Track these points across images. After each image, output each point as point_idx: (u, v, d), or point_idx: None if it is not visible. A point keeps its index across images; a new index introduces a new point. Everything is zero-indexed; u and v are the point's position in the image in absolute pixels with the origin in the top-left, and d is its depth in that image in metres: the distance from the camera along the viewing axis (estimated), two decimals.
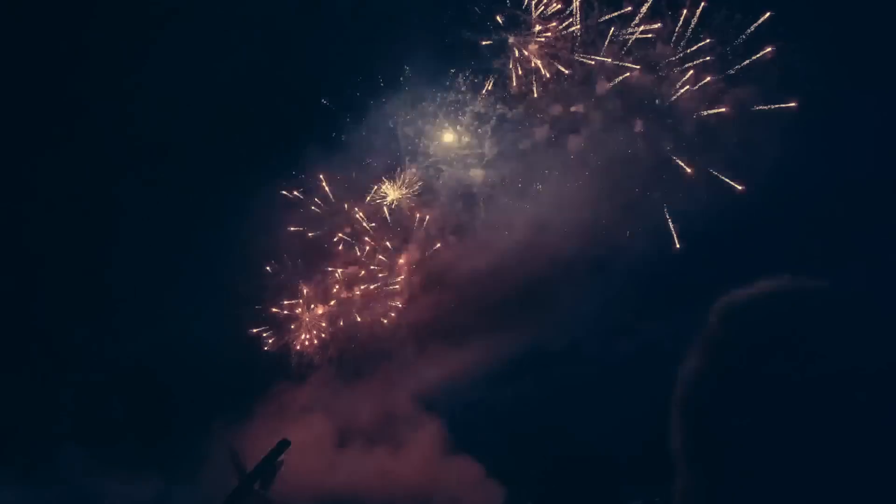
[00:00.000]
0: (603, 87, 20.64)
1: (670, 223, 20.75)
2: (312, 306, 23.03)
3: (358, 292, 22.90)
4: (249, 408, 22.93)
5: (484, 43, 20.98)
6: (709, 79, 20.47)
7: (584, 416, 21.15)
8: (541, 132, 21.12)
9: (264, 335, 23.41)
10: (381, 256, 22.74)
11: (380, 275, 22.86)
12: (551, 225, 21.43)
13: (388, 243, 22.72)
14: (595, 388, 20.87)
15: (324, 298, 23.10)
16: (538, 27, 20.63)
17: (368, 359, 23.38)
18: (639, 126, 20.69)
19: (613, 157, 21.08)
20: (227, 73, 22.25)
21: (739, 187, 20.43)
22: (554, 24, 20.58)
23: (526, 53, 20.75)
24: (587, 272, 21.40)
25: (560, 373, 21.79)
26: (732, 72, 20.33)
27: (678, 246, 20.81)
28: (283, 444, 20.35)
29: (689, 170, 20.72)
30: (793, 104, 20.14)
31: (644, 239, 20.97)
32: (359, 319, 23.16)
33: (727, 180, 20.51)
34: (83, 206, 22.98)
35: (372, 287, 22.93)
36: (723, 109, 20.50)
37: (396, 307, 23.12)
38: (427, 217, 22.44)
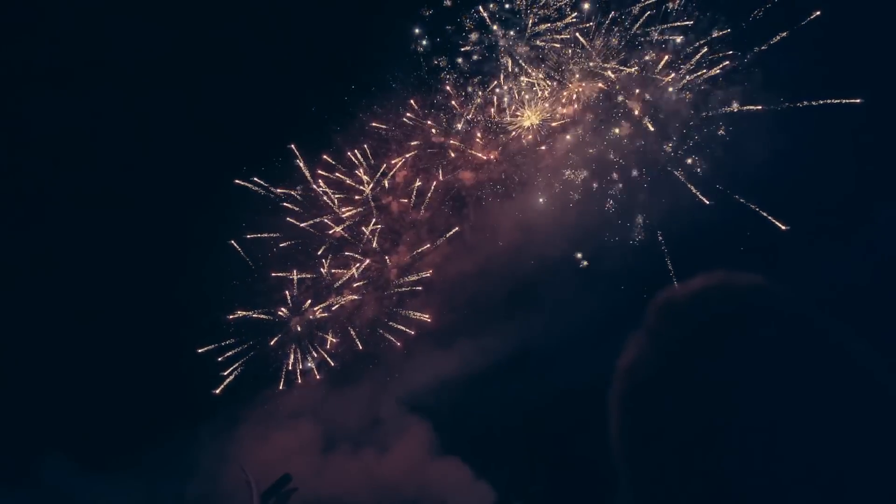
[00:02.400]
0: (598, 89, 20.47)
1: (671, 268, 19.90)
2: (305, 308, 22.73)
3: (354, 297, 22.71)
4: (235, 414, 22.70)
5: (466, 48, 21.18)
6: (727, 63, 19.12)
7: (576, 418, 21.20)
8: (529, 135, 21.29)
9: (220, 358, 22.71)
10: (371, 260, 22.59)
11: (369, 278, 22.76)
12: (543, 228, 21.56)
13: (375, 245, 22.64)
14: (586, 390, 20.87)
15: (315, 303, 22.83)
16: (530, 26, 20.76)
17: (358, 363, 23.18)
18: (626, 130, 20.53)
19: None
20: (212, 73, 22.07)
21: (783, 227, 18.12)
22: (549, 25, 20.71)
23: (521, 63, 20.84)
24: (578, 275, 21.54)
25: (550, 374, 21.85)
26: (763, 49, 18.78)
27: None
28: (285, 479, 20.30)
29: (706, 201, 19.64)
30: (857, 100, 18.34)
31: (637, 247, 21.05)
32: (360, 347, 22.88)
33: (770, 217, 18.36)
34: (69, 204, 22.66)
35: (364, 293, 22.75)
36: (758, 108, 19.39)
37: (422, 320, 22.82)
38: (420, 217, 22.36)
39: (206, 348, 22.25)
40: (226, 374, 22.38)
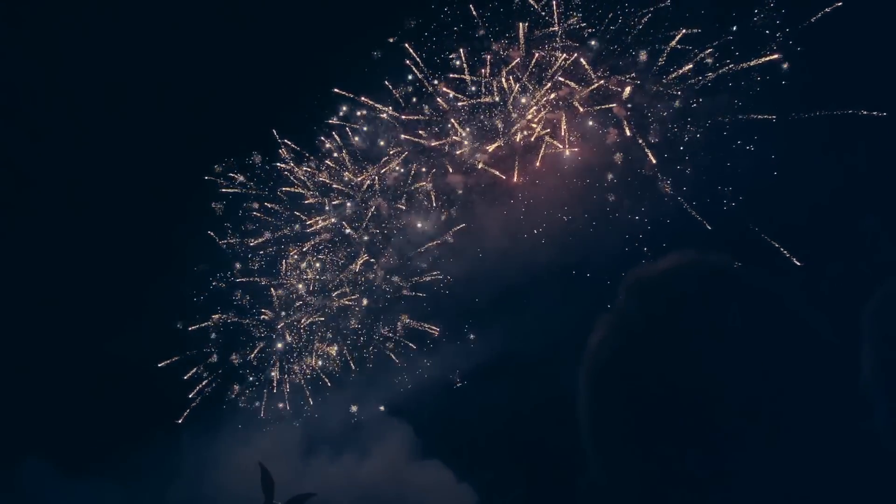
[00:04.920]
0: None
1: None
2: (290, 316, 22.38)
3: (348, 302, 22.38)
4: (215, 417, 22.40)
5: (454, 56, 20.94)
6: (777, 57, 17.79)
7: (558, 423, 21.16)
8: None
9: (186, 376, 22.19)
10: (362, 263, 22.28)
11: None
12: (526, 233, 21.43)
13: (364, 249, 22.33)
14: (569, 395, 20.79)
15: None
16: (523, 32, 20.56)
17: (343, 370, 22.97)
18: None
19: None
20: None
21: (798, 263, 17.84)
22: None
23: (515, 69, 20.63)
24: (563, 282, 21.44)
25: (533, 379, 21.79)
26: None
27: None
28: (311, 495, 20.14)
29: (708, 226, 19.24)
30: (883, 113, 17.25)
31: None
32: (354, 367, 22.59)
33: (785, 252, 18.13)
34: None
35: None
36: (767, 117, 18.69)
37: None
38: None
39: (166, 361, 21.76)
40: (191, 396, 22.03)
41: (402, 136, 21.51)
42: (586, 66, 20.27)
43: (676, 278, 4.32)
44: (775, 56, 18.24)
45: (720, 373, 3.93)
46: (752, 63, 18.49)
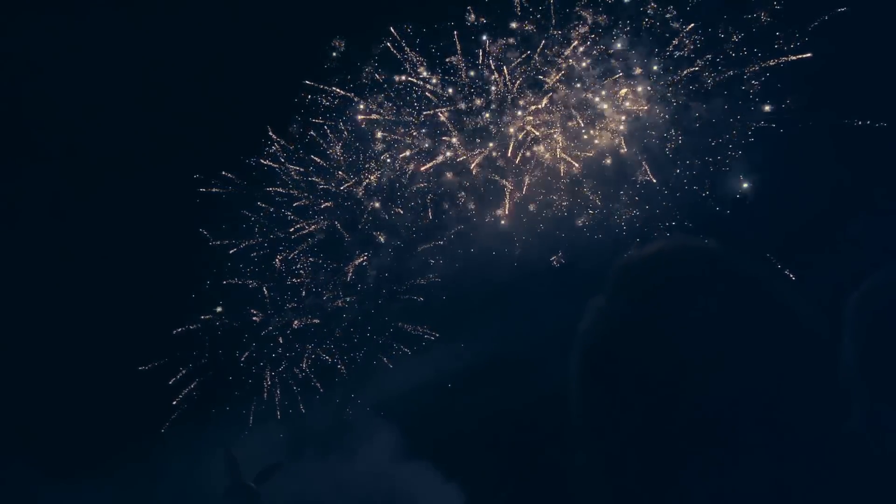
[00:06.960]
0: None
1: None
2: (281, 318, 22.19)
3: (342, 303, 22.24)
4: (201, 418, 22.23)
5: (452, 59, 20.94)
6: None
7: (547, 425, 21.16)
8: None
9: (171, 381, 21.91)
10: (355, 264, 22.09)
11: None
12: (520, 234, 21.43)
13: (359, 251, 22.16)
14: (558, 397, 20.75)
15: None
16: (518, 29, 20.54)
17: (329, 371, 22.89)
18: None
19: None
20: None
21: (792, 277, 16.91)
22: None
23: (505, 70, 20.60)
24: (553, 282, 21.43)
25: (522, 381, 21.77)
26: None
27: None
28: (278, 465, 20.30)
29: (704, 238, 19.18)
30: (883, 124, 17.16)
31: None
32: (343, 370, 22.30)
33: (778, 264, 17.22)
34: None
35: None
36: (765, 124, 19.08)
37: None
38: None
39: (149, 365, 21.38)
40: (178, 399, 21.82)
41: (397, 136, 21.48)
42: (581, 69, 20.32)
43: (665, 263, 4.29)
44: (774, 61, 18.31)
45: (711, 359, 3.89)
46: (751, 69, 18.55)
